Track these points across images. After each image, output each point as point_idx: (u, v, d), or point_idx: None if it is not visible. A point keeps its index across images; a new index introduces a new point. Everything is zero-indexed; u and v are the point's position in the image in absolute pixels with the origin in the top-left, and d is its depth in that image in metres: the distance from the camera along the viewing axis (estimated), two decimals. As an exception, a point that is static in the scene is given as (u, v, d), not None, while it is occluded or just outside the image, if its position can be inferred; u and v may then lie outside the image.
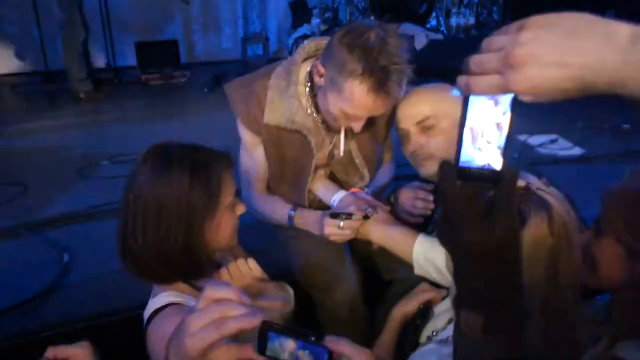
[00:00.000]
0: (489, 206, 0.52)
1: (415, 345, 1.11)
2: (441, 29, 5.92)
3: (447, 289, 1.17)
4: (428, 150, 1.27)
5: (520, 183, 0.80)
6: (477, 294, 0.55)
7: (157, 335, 0.93)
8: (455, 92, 1.27)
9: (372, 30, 1.17)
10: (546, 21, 0.47)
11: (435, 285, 1.19)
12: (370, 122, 1.38)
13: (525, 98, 0.50)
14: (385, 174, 1.64)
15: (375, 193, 1.51)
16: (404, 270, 1.28)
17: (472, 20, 6.02)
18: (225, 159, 1.03)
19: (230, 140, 1.42)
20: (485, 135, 0.53)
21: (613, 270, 0.86)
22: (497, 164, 0.52)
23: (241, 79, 1.49)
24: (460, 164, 0.54)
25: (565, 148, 3.05)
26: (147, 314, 1.00)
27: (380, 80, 1.17)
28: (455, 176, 0.53)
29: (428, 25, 5.84)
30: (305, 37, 5.13)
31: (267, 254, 1.30)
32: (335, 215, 1.29)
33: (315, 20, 5.38)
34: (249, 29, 5.57)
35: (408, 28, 5.09)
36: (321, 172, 1.53)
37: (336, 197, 1.43)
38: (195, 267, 1.01)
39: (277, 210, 1.48)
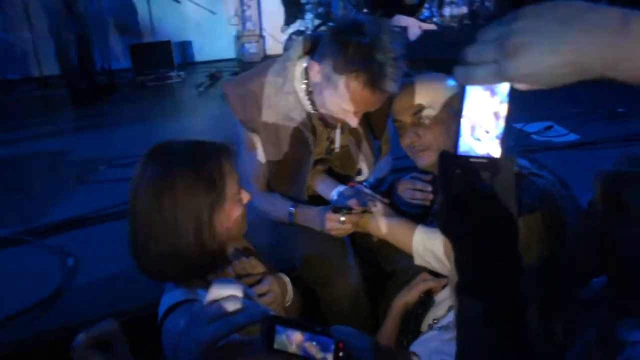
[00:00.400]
0: (488, 194, 0.53)
1: (417, 333, 1.12)
2: (434, 19, 5.91)
3: (447, 277, 1.18)
4: (425, 141, 1.27)
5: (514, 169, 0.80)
6: (477, 280, 0.56)
7: (171, 334, 0.93)
8: (451, 83, 1.27)
9: (365, 26, 1.18)
10: (539, 11, 0.48)
11: (435, 274, 1.21)
12: (367, 116, 1.38)
13: (522, 86, 0.51)
14: (383, 166, 1.65)
15: (374, 186, 1.52)
16: (404, 261, 1.29)
17: (465, 10, 6.00)
18: (227, 149, 1.03)
19: (227, 138, 1.42)
20: (483, 124, 0.54)
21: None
22: (495, 152, 0.53)
23: (237, 78, 1.50)
24: (459, 154, 0.55)
25: (561, 134, 3.05)
26: (162, 309, 0.99)
27: (375, 75, 1.18)
28: (455, 165, 0.54)
29: (421, 17, 5.82)
30: (299, 33, 5.11)
31: (269, 249, 1.32)
32: (335, 210, 1.30)
33: (308, 16, 5.36)
34: (243, 27, 5.55)
35: (401, 19, 5.07)
36: (319, 167, 1.54)
37: (335, 192, 1.44)
38: (209, 262, 0.99)
39: (278, 207, 1.49)
